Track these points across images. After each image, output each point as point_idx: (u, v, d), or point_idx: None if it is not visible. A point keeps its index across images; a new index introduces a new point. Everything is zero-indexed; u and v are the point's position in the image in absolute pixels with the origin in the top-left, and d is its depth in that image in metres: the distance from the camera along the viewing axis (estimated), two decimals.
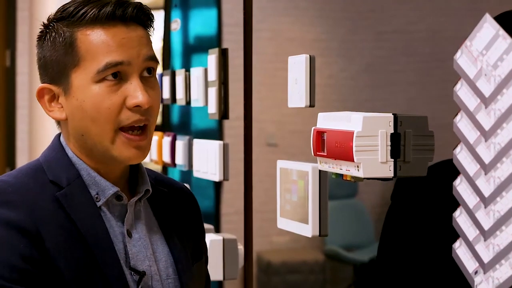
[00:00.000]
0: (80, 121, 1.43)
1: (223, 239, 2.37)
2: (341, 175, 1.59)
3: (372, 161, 1.48)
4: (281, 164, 1.95)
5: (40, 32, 1.48)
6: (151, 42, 1.48)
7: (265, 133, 5.41)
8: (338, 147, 1.54)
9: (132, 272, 1.43)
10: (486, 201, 1.16)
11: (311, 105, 1.89)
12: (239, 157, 2.39)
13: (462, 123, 1.21)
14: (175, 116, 3.80)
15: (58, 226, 1.38)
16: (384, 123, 1.48)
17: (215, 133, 3.91)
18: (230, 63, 2.53)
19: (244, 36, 2.35)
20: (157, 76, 1.49)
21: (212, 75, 2.55)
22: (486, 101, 1.15)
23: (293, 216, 1.87)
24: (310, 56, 1.90)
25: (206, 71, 2.65)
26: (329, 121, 1.62)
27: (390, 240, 1.76)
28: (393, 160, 1.48)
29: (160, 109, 3.70)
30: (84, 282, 1.36)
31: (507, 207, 1.13)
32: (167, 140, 3.02)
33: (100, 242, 1.40)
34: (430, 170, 1.52)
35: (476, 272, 1.19)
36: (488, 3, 2.27)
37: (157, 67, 1.47)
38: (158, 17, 3.85)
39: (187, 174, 3.07)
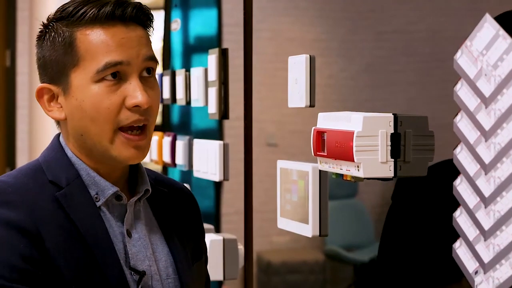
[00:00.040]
0: (79, 121, 1.43)
1: (223, 239, 2.37)
2: (341, 175, 1.59)
3: (372, 161, 1.48)
4: (281, 164, 1.95)
5: (39, 32, 1.48)
6: (151, 42, 1.48)
7: (265, 133, 5.41)
8: (338, 147, 1.54)
9: (132, 272, 1.43)
10: (486, 201, 1.16)
11: (311, 105, 1.89)
12: (239, 157, 2.39)
13: (462, 123, 1.21)
14: (175, 116, 3.80)
15: (58, 226, 1.38)
16: (384, 123, 1.48)
17: (215, 133, 3.91)
18: (230, 63, 2.53)
19: (244, 36, 2.35)
20: (157, 76, 1.50)
21: (212, 75, 2.55)
22: (486, 101, 1.15)
23: (293, 216, 1.87)
24: (310, 56, 1.90)
25: (206, 71, 2.65)
26: (329, 121, 1.62)
27: (391, 239, 1.76)
28: (393, 160, 1.48)
29: (160, 109, 3.71)
30: (84, 282, 1.36)
31: (507, 207, 1.13)
32: (167, 140, 3.01)
33: (100, 242, 1.40)
34: (431, 170, 1.52)
35: (476, 272, 1.19)
36: (488, 3, 2.27)
37: (156, 67, 1.47)
38: (158, 17, 3.85)
39: (187, 174, 3.07)
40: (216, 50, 2.53)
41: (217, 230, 3.10)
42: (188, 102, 2.83)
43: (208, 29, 3.70)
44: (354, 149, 1.48)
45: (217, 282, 2.60)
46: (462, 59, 1.20)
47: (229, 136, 4.30)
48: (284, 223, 1.92)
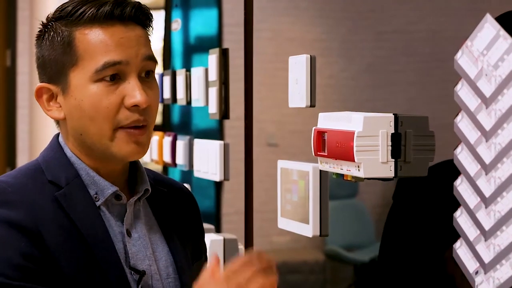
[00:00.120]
0: (78, 120, 1.43)
1: (224, 239, 2.37)
2: (342, 175, 1.59)
3: (373, 161, 1.48)
4: (281, 164, 1.95)
5: (38, 31, 1.48)
6: (150, 42, 1.48)
7: (266, 133, 5.41)
8: (339, 147, 1.54)
9: (132, 272, 1.43)
10: (486, 201, 1.16)
11: (312, 105, 1.89)
12: (240, 157, 2.39)
13: (462, 123, 1.21)
14: (175, 116, 3.80)
15: (58, 225, 1.38)
16: (384, 123, 1.49)
17: (216, 133, 3.91)
18: (231, 63, 2.53)
19: (245, 36, 2.35)
20: (157, 76, 1.50)
21: (213, 75, 2.55)
22: (486, 101, 1.15)
23: (293, 216, 1.87)
24: (310, 56, 1.90)
25: (206, 71, 2.65)
26: (330, 121, 1.62)
27: (392, 239, 1.76)
28: (393, 160, 1.48)
29: (161, 109, 3.71)
30: (84, 280, 1.37)
31: (508, 207, 1.13)
32: (167, 140, 3.02)
33: (100, 241, 1.40)
34: (431, 170, 1.52)
35: (476, 272, 1.19)
36: (489, 3, 2.27)
37: (155, 67, 1.47)
38: (159, 17, 3.85)
39: (188, 174, 3.07)
40: (217, 50, 2.53)
41: (218, 230, 3.10)
42: (189, 102, 2.83)
43: (209, 29, 3.70)
44: (355, 149, 1.48)
45: None
46: (463, 59, 1.20)
47: (230, 136, 4.30)
48: (285, 223, 1.92)
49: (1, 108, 6.15)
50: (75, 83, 1.42)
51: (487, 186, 1.16)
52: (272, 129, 5.51)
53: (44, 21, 1.47)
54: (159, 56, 3.75)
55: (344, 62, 5.83)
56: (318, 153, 1.65)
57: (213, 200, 3.85)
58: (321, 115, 1.68)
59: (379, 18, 5.81)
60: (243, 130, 2.35)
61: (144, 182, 1.51)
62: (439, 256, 1.58)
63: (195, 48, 3.59)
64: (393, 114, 1.49)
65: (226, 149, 2.52)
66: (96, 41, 1.41)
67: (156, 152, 3.14)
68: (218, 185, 3.83)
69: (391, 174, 1.49)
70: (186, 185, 1.90)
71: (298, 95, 1.92)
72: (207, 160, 2.59)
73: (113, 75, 1.40)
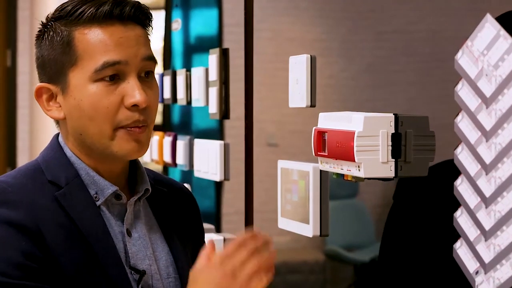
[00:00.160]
0: (78, 120, 1.43)
1: (224, 239, 2.37)
2: (342, 175, 1.59)
3: (373, 161, 1.48)
4: (281, 164, 1.95)
5: (38, 31, 1.48)
6: (150, 42, 1.48)
7: (266, 133, 5.41)
8: (339, 147, 1.54)
9: (132, 271, 1.43)
10: (487, 201, 1.16)
11: (312, 105, 1.89)
12: (240, 157, 2.39)
13: (463, 123, 1.21)
14: (176, 116, 3.80)
15: (58, 224, 1.38)
16: (385, 123, 1.49)
17: (216, 133, 3.91)
18: (231, 63, 2.53)
19: (245, 36, 2.35)
20: (157, 76, 1.50)
21: (213, 75, 2.56)
22: (487, 101, 1.15)
23: (293, 216, 1.87)
24: (311, 56, 1.90)
25: (207, 71, 2.65)
26: (330, 121, 1.62)
27: (392, 239, 1.76)
28: (394, 160, 1.48)
29: (161, 109, 3.71)
30: (85, 279, 1.37)
31: (508, 207, 1.13)
32: (168, 140, 3.02)
33: (101, 241, 1.41)
34: (432, 170, 1.52)
35: (477, 272, 1.19)
36: (489, 3, 2.27)
37: (155, 67, 1.47)
38: (159, 17, 3.85)
39: (188, 174, 3.07)
40: (217, 50, 2.53)
41: (218, 230, 3.10)
42: (189, 102, 2.83)
43: (209, 29, 3.70)
44: (355, 149, 1.48)
45: None
46: (463, 59, 1.20)
47: (230, 136, 4.31)
48: (285, 223, 1.92)
49: (1, 108, 6.15)
50: (75, 83, 1.42)
51: (487, 186, 1.16)
52: (272, 129, 5.51)
53: (44, 21, 1.47)
54: (159, 56, 3.75)
55: (344, 62, 5.83)
56: (319, 153, 1.65)
57: (213, 200, 3.85)
58: (321, 115, 1.68)
59: (379, 18, 5.82)
60: (243, 130, 2.35)
61: (144, 182, 1.51)
62: (439, 256, 1.58)
63: (195, 48, 3.59)
64: (394, 114, 1.49)
65: (226, 149, 2.52)
66: (96, 41, 1.41)
67: (156, 152, 3.14)
68: (218, 185, 3.83)
69: (391, 174, 1.49)
70: (186, 185, 1.90)
71: (298, 95, 1.92)
72: (207, 160, 2.59)
73: (113, 75, 1.40)
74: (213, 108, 2.55)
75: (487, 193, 1.16)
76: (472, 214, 1.20)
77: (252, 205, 2.36)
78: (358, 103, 5.66)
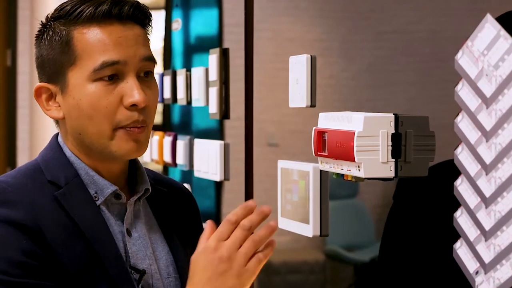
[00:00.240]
0: (77, 119, 1.43)
1: None
2: (342, 175, 1.59)
3: (373, 161, 1.48)
4: (282, 164, 1.95)
5: (38, 31, 1.48)
6: (149, 41, 1.48)
7: (266, 133, 5.41)
8: (339, 147, 1.54)
9: (132, 271, 1.43)
10: (487, 201, 1.16)
11: (312, 105, 1.89)
12: (240, 157, 2.39)
13: (463, 123, 1.21)
14: (176, 116, 3.80)
15: (58, 223, 1.38)
16: (385, 123, 1.49)
17: (216, 133, 3.91)
18: (231, 63, 2.53)
19: (245, 36, 2.35)
20: (157, 76, 1.50)
21: (213, 75, 2.56)
22: (487, 102, 1.15)
23: (293, 216, 1.87)
24: (311, 56, 1.90)
25: (207, 71, 2.65)
26: (330, 121, 1.62)
27: (392, 239, 1.76)
28: (394, 160, 1.48)
29: (161, 109, 3.71)
30: (87, 277, 1.37)
31: (508, 208, 1.13)
32: (168, 140, 3.02)
33: (101, 239, 1.41)
34: (432, 170, 1.52)
35: (477, 272, 1.19)
36: (489, 3, 2.27)
37: (154, 67, 1.47)
38: (159, 17, 3.85)
39: (188, 174, 3.07)
40: (217, 50, 2.53)
41: None
42: (189, 102, 2.83)
43: (209, 29, 3.70)
44: (355, 149, 1.48)
45: None
46: (463, 59, 1.20)
47: (230, 136, 4.30)
48: (285, 223, 1.92)
49: (1, 108, 6.15)
50: (74, 82, 1.42)
51: (487, 186, 1.16)
52: (273, 129, 5.51)
53: (44, 20, 1.47)
54: (159, 56, 3.75)
55: (344, 62, 5.83)
56: (319, 153, 1.65)
57: (213, 200, 3.85)
58: (321, 115, 1.68)
59: (379, 18, 5.82)
60: (243, 130, 2.35)
61: (144, 181, 1.51)
62: (439, 256, 1.58)
63: (195, 48, 3.59)
64: (394, 114, 1.49)
65: (226, 149, 2.52)
66: (94, 40, 1.41)
67: (157, 152, 3.14)
68: (218, 185, 3.83)
69: (391, 174, 1.49)
70: (186, 185, 1.90)
71: (298, 95, 1.92)
72: (207, 160, 2.59)
73: (112, 75, 1.40)
74: (213, 108, 2.55)
75: (487, 193, 1.16)
76: (472, 214, 1.20)
77: None
78: (358, 103, 5.65)
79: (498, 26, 1.13)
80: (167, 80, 3.01)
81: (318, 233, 1.80)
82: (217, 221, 4.32)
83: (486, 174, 1.16)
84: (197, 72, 2.72)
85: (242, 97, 2.35)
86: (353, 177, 1.55)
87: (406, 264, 1.71)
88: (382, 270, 1.78)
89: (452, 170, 1.25)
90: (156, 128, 3.40)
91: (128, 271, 1.42)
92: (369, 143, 1.48)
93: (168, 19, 3.76)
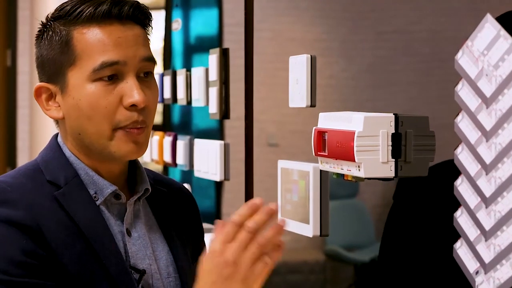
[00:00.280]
0: (76, 120, 1.43)
1: None
2: (342, 175, 1.59)
3: (373, 161, 1.48)
4: (282, 164, 1.95)
5: (38, 30, 1.48)
6: (149, 42, 1.47)
7: (266, 133, 5.41)
8: (339, 147, 1.54)
9: (132, 271, 1.43)
10: (487, 201, 1.16)
11: (312, 105, 1.89)
12: (240, 157, 2.39)
13: (463, 123, 1.21)
14: (176, 116, 3.80)
15: (58, 223, 1.38)
16: (385, 123, 1.49)
17: (216, 133, 3.91)
18: (231, 63, 2.53)
19: (245, 36, 2.35)
20: (158, 76, 1.49)
21: (213, 75, 2.56)
22: (487, 101, 1.15)
23: (294, 216, 1.87)
24: (311, 56, 1.90)
25: (207, 71, 2.65)
26: (330, 121, 1.62)
27: (392, 239, 1.76)
28: (394, 160, 1.48)
29: (161, 109, 3.71)
30: (87, 277, 1.37)
31: (508, 207, 1.13)
32: (168, 140, 3.02)
33: (101, 239, 1.41)
34: (432, 170, 1.52)
35: (477, 272, 1.19)
36: (489, 3, 2.28)
37: (154, 68, 1.47)
38: (159, 17, 3.85)
39: (188, 174, 3.07)
40: (217, 50, 2.53)
41: None
42: (189, 102, 2.83)
43: (209, 29, 3.70)
44: (355, 149, 1.48)
45: None
46: (463, 59, 1.20)
47: (230, 136, 4.31)
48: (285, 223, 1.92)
49: (1, 108, 6.15)
50: (73, 82, 1.41)
51: (487, 186, 1.16)
52: (273, 129, 5.51)
53: (44, 20, 1.47)
54: (159, 56, 3.75)
55: (344, 62, 5.83)
56: (319, 153, 1.65)
57: (213, 200, 3.85)
58: (321, 115, 1.68)
59: (379, 18, 5.82)
60: (243, 130, 2.35)
61: (144, 181, 1.51)
62: (439, 256, 1.58)
63: (195, 48, 3.59)
64: (394, 114, 1.49)
65: (226, 149, 2.52)
66: (94, 41, 1.41)
67: (157, 152, 3.14)
68: (218, 185, 3.83)
69: (391, 174, 1.49)
70: (186, 185, 1.90)
71: (298, 95, 1.92)
72: (207, 160, 2.59)
73: (111, 75, 1.40)
74: (213, 108, 2.55)
75: (487, 193, 1.16)
76: (472, 214, 1.20)
77: None
78: (358, 103, 5.66)
79: (498, 26, 1.13)
80: (167, 80, 3.01)
81: (318, 233, 1.80)
82: None
83: (486, 174, 1.16)
84: (197, 72, 2.72)
85: (242, 97, 2.35)
86: (353, 177, 1.55)
87: (406, 264, 1.71)
88: (382, 270, 1.78)
89: (452, 170, 1.25)
90: (156, 128, 3.40)
91: (129, 271, 1.42)
92: (369, 143, 1.48)
93: (168, 19, 3.76)
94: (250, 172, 2.36)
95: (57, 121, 1.50)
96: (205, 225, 1.74)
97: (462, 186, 1.22)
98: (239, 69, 2.41)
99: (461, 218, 1.23)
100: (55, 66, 1.43)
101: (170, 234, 1.53)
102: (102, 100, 1.40)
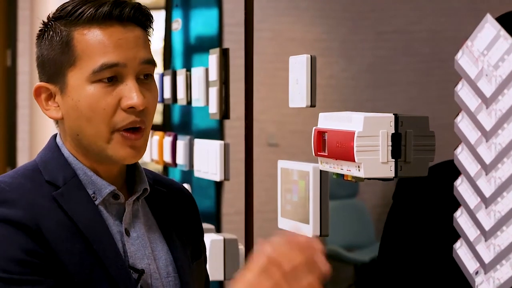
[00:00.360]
0: (75, 120, 1.43)
1: (224, 239, 2.37)
2: (342, 175, 1.59)
3: (373, 161, 1.48)
4: (282, 164, 1.95)
5: (39, 30, 1.48)
6: (149, 44, 1.47)
7: (266, 133, 5.41)
8: (339, 147, 1.54)
9: (131, 271, 1.43)
10: (487, 201, 1.16)
11: (312, 105, 1.90)
12: (240, 157, 2.39)
13: (463, 123, 1.21)
14: (176, 116, 3.80)
15: (57, 223, 1.38)
16: (385, 123, 1.49)
17: (216, 133, 3.91)
18: (231, 63, 2.53)
19: (245, 36, 2.35)
20: (157, 76, 1.49)
21: (213, 75, 2.56)
22: (487, 102, 1.15)
23: (293, 216, 1.87)
24: (311, 56, 1.90)
25: (207, 71, 2.65)
26: (330, 121, 1.62)
27: (392, 239, 1.76)
28: (394, 160, 1.48)
29: (161, 109, 3.71)
30: (87, 276, 1.37)
31: (508, 208, 1.13)
32: (168, 140, 3.02)
33: (100, 239, 1.41)
34: (431, 170, 1.52)
35: (477, 273, 1.19)
36: (489, 3, 2.27)
37: (154, 70, 1.47)
38: (159, 17, 3.85)
39: (188, 174, 3.07)
40: (217, 50, 2.53)
41: (218, 230, 3.10)
42: (189, 102, 2.83)
43: (209, 29, 3.70)
44: (355, 149, 1.48)
45: (217, 282, 2.60)
46: (463, 59, 1.20)
47: (230, 136, 4.30)
48: (285, 223, 1.92)
49: (1, 108, 6.15)
50: (73, 83, 1.42)
51: (487, 186, 1.16)
52: (273, 129, 5.51)
53: (45, 20, 1.47)
54: (159, 56, 3.75)
55: (344, 62, 5.83)
56: (319, 153, 1.65)
57: (213, 200, 3.85)
58: (321, 115, 1.68)
59: (379, 18, 5.82)
60: (243, 130, 2.35)
61: (142, 181, 1.50)
62: (439, 256, 1.58)
63: (195, 48, 3.59)
64: (394, 114, 1.49)
65: (226, 149, 2.52)
66: (94, 42, 1.41)
67: (157, 152, 3.15)
68: (218, 185, 3.83)
69: (391, 174, 1.49)
70: (186, 185, 1.90)
71: (298, 95, 1.92)
72: (207, 160, 2.59)
73: (111, 76, 1.40)
74: (213, 108, 2.55)
75: (487, 193, 1.16)
76: (472, 214, 1.20)
77: (252, 205, 2.36)
78: (358, 103, 5.65)
79: (498, 26, 1.13)
80: (167, 80, 3.01)
81: (318, 233, 1.80)
82: (217, 221, 4.32)
83: (486, 174, 1.16)
84: (197, 72, 2.72)
85: (242, 97, 2.35)
86: (353, 177, 1.55)
87: (406, 264, 1.71)
88: (382, 270, 1.79)
89: (452, 170, 1.25)
90: (156, 128, 3.41)
91: (128, 270, 1.42)
92: (369, 143, 1.48)
93: (168, 19, 3.76)
94: (250, 172, 2.36)
95: (56, 121, 1.50)
96: (205, 225, 1.75)
97: (462, 186, 1.22)
98: (239, 69, 2.41)
99: (461, 218, 1.23)
100: (55, 66, 1.43)
101: (170, 234, 1.53)
102: (101, 102, 1.40)
